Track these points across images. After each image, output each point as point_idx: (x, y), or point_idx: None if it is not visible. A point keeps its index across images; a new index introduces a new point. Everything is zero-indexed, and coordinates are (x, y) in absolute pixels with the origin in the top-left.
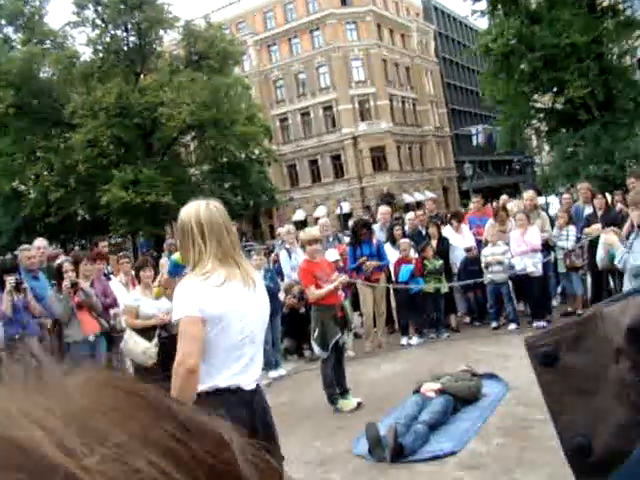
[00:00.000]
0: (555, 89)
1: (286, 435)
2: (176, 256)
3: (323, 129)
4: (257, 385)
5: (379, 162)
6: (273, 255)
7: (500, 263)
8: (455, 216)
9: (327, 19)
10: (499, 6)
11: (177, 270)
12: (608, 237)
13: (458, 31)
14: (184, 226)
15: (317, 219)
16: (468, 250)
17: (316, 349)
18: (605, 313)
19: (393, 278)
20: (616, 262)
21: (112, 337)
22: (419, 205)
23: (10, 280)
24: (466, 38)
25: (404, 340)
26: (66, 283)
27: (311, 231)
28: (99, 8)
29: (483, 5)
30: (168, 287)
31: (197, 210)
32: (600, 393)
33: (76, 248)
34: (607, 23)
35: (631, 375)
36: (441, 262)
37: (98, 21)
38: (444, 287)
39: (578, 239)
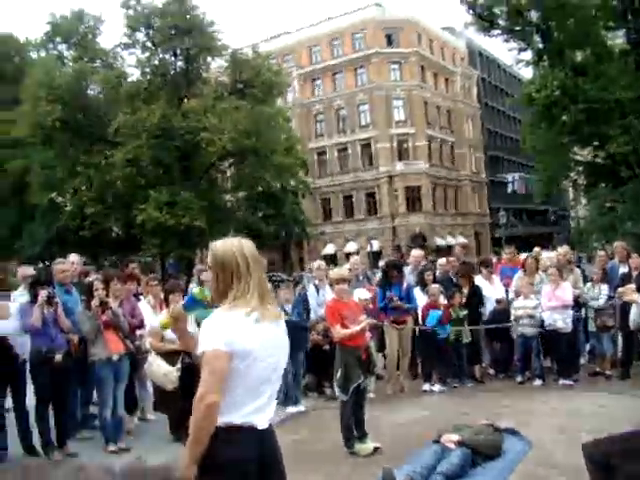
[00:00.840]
0: (596, 143)
1: (300, 474)
2: (196, 291)
3: (360, 165)
4: (270, 425)
5: (413, 202)
6: (300, 287)
7: (531, 317)
8: (483, 263)
9: (372, 57)
10: (545, 57)
11: (194, 305)
12: (631, 298)
13: (502, 78)
14: (226, 260)
15: (348, 254)
16: (499, 302)
17: (337, 391)
18: None
19: (420, 322)
20: None
21: (136, 359)
22: (450, 249)
23: (43, 293)
24: (509, 85)
25: (426, 386)
26: (95, 302)
27: (340, 271)
28: (150, 32)
29: (529, 55)
30: (179, 319)
31: (241, 245)
32: None
33: (106, 264)
34: None
35: None
36: (466, 312)
37: (148, 44)
38: (466, 336)
39: (610, 298)
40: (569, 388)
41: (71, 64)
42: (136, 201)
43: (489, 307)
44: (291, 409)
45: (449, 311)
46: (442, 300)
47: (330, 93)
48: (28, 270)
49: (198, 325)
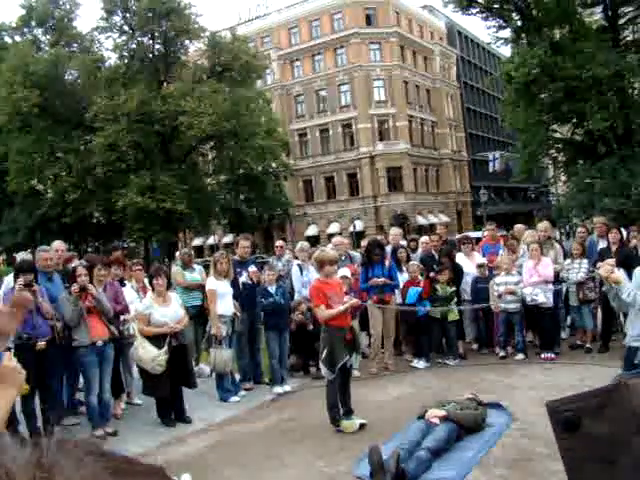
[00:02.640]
0: (574, 120)
1: (288, 453)
2: None
3: (341, 146)
4: None
5: (395, 182)
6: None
7: (513, 293)
8: (462, 241)
9: (351, 38)
10: (523, 35)
11: None
12: (615, 275)
13: (480, 57)
14: None
15: (330, 235)
16: (480, 266)
17: (323, 370)
18: (634, 387)
19: (399, 301)
20: (624, 296)
21: (121, 343)
22: (432, 228)
23: (20, 280)
24: (488, 64)
25: (415, 362)
26: (75, 287)
27: (330, 252)
28: (127, 15)
29: (507, 33)
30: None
31: None
32: (622, 463)
33: (89, 250)
34: (630, 58)
35: None
36: (454, 289)
37: (126, 27)
38: (454, 314)
39: (590, 272)
40: (550, 361)
41: (47, 49)
42: (117, 186)
43: (469, 281)
44: (277, 389)
45: (428, 287)
46: (420, 277)
47: (310, 74)
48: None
49: (186, 310)
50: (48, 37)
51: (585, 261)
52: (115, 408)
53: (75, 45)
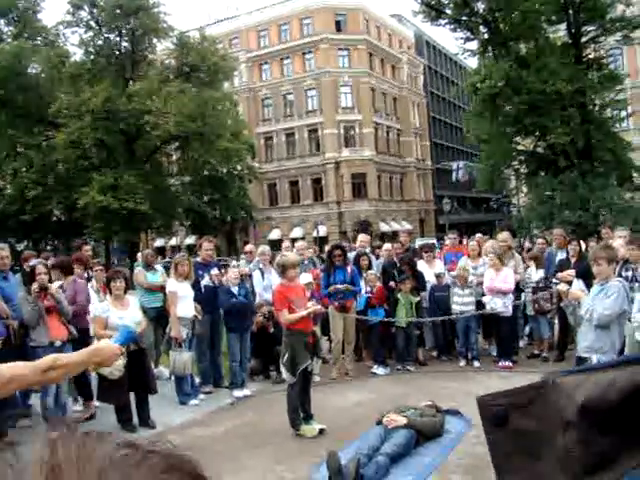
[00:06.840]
0: (537, 133)
1: (247, 457)
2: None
3: (306, 151)
4: None
5: (359, 189)
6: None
7: (467, 303)
8: (424, 248)
9: (320, 43)
10: (490, 48)
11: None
12: (574, 293)
13: (447, 67)
14: None
15: (293, 240)
16: (438, 276)
17: (284, 374)
18: (558, 384)
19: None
20: (582, 312)
21: (79, 345)
22: (395, 235)
23: None
24: (455, 75)
25: (375, 367)
26: (34, 287)
27: (290, 256)
28: (95, 10)
29: (474, 45)
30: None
31: None
32: (545, 458)
33: (48, 248)
34: (591, 75)
35: (578, 448)
36: (418, 299)
37: (92, 23)
38: (400, 322)
39: (547, 281)
40: (508, 369)
41: (9, 40)
42: (79, 184)
43: (428, 288)
44: (237, 393)
45: (382, 294)
46: (379, 284)
47: (278, 78)
48: None
49: (144, 312)
50: (11, 28)
51: (540, 271)
52: (72, 411)
53: (39, 38)
